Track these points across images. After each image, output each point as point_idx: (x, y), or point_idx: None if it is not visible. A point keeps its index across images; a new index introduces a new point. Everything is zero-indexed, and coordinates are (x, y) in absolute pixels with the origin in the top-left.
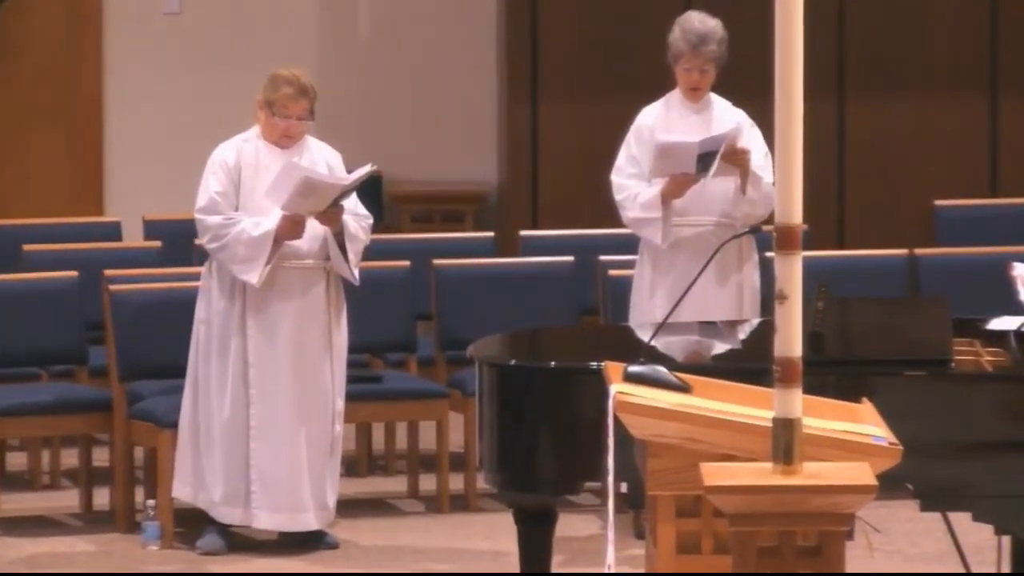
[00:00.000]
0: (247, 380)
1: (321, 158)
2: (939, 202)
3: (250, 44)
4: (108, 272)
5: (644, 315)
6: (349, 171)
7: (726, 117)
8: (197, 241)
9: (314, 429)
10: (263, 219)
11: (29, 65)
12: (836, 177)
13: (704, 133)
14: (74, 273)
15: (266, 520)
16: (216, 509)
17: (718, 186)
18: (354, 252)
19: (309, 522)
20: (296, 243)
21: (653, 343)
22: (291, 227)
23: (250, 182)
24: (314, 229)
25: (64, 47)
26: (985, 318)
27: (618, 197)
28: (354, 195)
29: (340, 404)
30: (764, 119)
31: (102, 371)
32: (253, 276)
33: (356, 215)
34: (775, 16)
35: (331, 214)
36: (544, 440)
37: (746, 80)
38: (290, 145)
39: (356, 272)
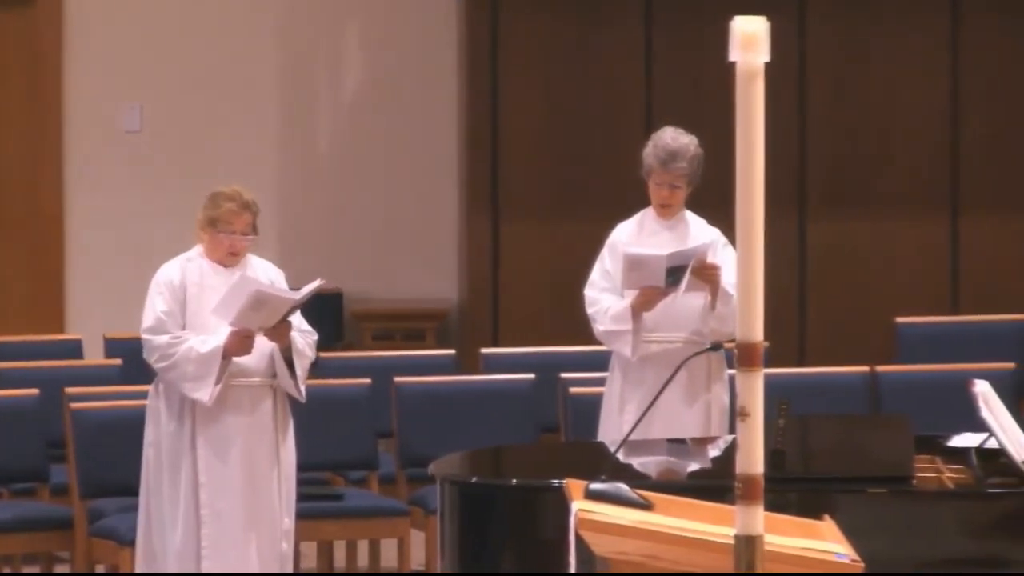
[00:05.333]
0: (198, 500)
1: (264, 275)
2: (901, 319)
3: (211, 161)
4: (69, 390)
5: (613, 430)
6: (292, 288)
7: (700, 235)
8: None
9: (263, 548)
10: (210, 336)
11: None
12: (797, 294)
13: (676, 249)
14: (35, 391)
15: None
16: None
17: (688, 303)
18: (301, 368)
19: None
20: (244, 361)
21: (616, 460)
22: (240, 342)
23: (195, 301)
24: (261, 347)
25: (24, 164)
26: (947, 435)
27: (590, 311)
28: (298, 312)
29: (288, 523)
30: (725, 235)
31: (63, 489)
32: (204, 394)
33: (301, 331)
34: (736, 133)
35: (280, 330)
36: (506, 557)
37: (707, 196)
38: (235, 263)
39: (303, 389)
